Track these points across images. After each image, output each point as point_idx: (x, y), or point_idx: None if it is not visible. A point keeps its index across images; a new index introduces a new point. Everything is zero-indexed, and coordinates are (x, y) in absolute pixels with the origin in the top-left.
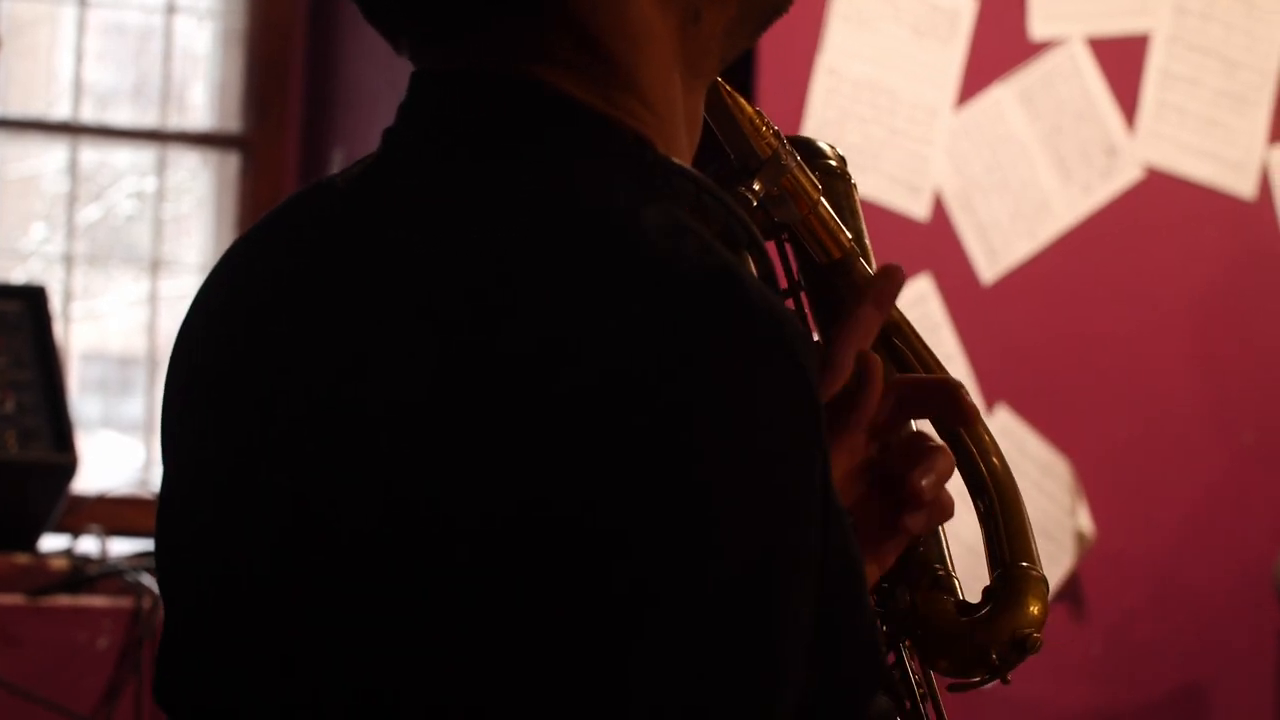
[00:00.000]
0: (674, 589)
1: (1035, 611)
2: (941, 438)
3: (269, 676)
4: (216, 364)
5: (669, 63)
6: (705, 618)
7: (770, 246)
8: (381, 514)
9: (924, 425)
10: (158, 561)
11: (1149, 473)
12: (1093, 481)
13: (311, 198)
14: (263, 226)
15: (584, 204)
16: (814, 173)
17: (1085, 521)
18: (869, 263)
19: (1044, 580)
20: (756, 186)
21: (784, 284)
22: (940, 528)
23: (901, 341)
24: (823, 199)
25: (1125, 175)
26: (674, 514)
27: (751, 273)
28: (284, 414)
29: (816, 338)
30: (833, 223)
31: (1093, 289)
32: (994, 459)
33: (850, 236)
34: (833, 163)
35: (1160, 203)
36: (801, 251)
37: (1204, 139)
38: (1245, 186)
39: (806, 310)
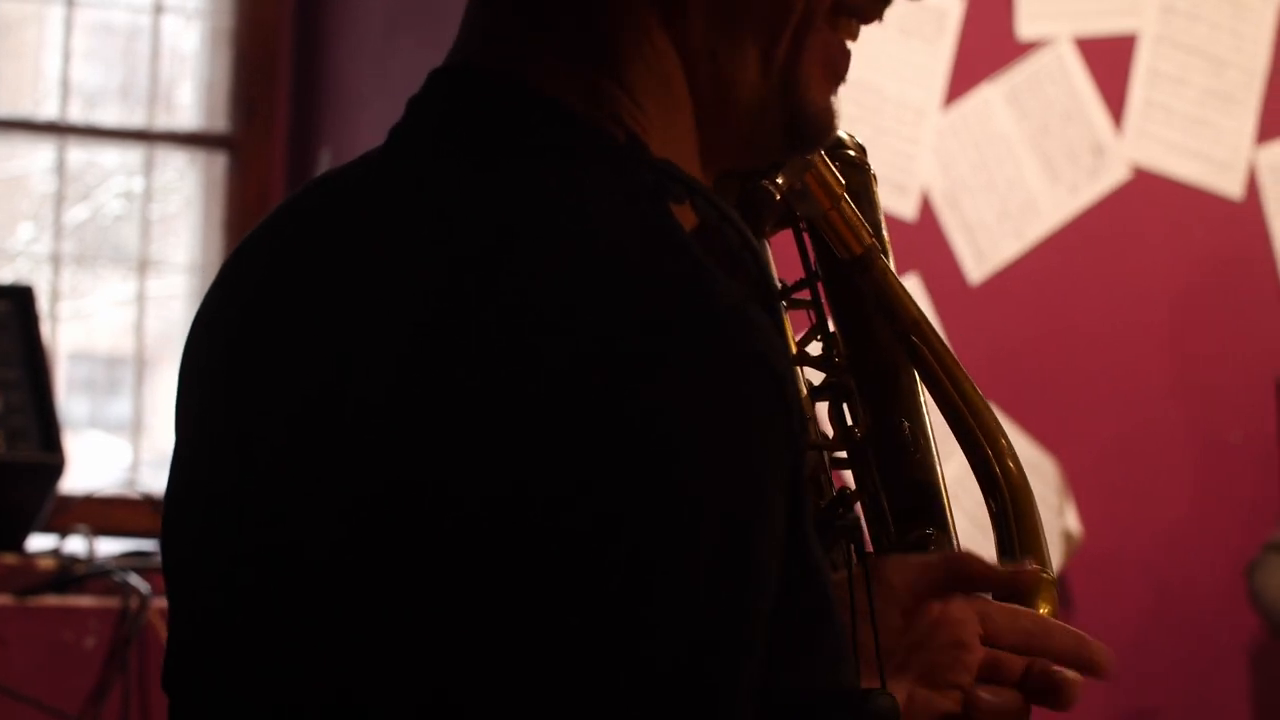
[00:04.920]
0: (648, 574)
1: (1044, 614)
2: (954, 433)
3: (266, 667)
4: (213, 359)
5: (673, 80)
6: (676, 602)
7: (789, 236)
8: (367, 507)
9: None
10: (163, 556)
11: (1136, 473)
12: (1080, 481)
13: (314, 194)
14: (268, 222)
15: (566, 207)
16: (833, 163)
17: (1073, 522)
18: (887, 251)
19: (1054, 583)
20: (780, 180)
21: (795, 277)
22: (952, 526)
23: (920, 340)
24: (846, 195)
25: (1112, 175)
26: (645, 507)
27: (725, 280)
28: (276, 409)
29: (833, 327)
30: (855, 219)
31: (1080, 289)
32: (1009, 461)
33: (871, 232)
34: (852, 152)
35: (1147, 202)
36: (820, 242)
37: (1191, 138)
38: (1232, 186)
39: (823, 300)
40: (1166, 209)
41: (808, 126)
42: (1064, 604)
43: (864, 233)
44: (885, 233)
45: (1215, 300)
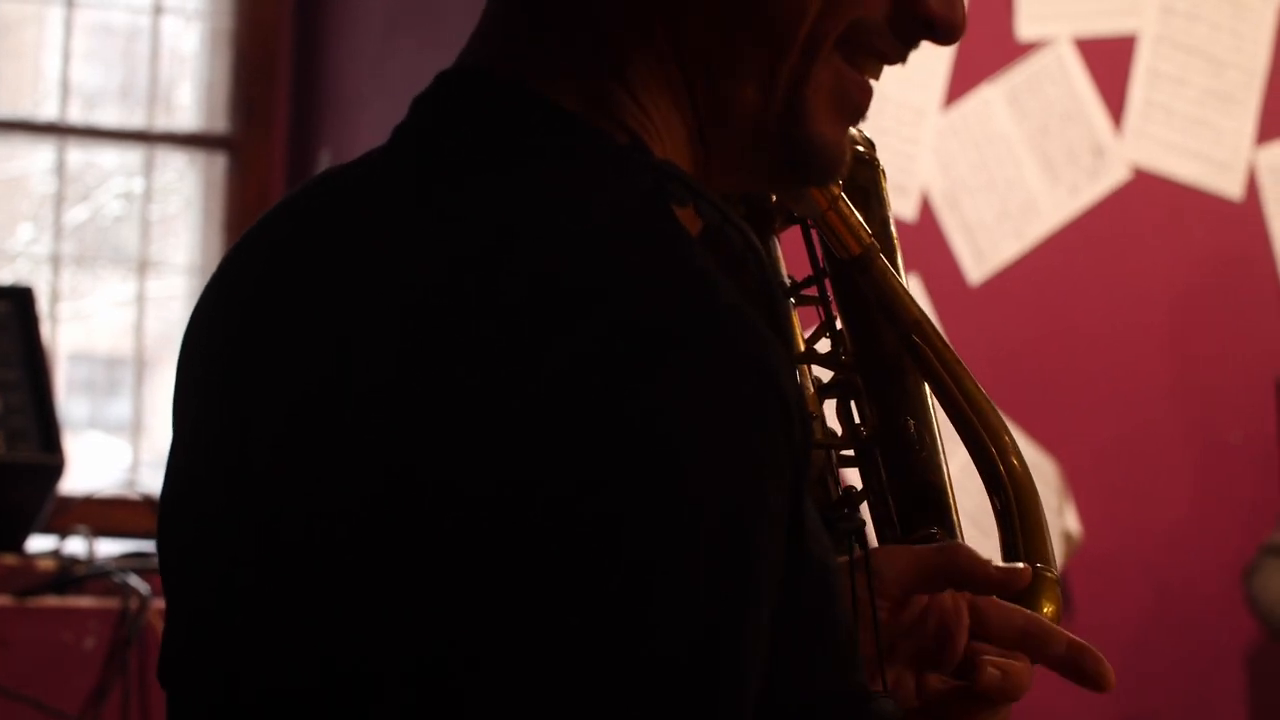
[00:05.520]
0: (649, 574)
1: (1049, 613)
2: (957, 431)
3: (264, 664)
4: (211, 356)
5: (675, 89)
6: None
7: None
8: (367, 506)
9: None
10: (160, 552)
11: (1136, 473)
12: (1080, 482)
13: (314, 191)
14: (268, 218)
15: (567, 208)
16: None
17: (1073, 522)
18: (894, 248)
19: (1059, 582)
20: None
21: (806, 273)
22: (958, 527)
23: (922, 340)
24: (843, 195)
25: (1112, 175)
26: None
27: (725, 282)
28: (275, 406)
29: (840, 325)
30: (853, 219)
31: (1080, 289)
32: (1013, 459)
33: (870, 232)
34: (861, 149)
35: (1147, 203)
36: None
37: (1191, 139)
38: (1232, 187)
39: (830, 297)
40: (1166, 209)
41: (811, 157)
42: (1064, 604)
43: (862, 233)
44: (894, 228)
45: (1215, 301)
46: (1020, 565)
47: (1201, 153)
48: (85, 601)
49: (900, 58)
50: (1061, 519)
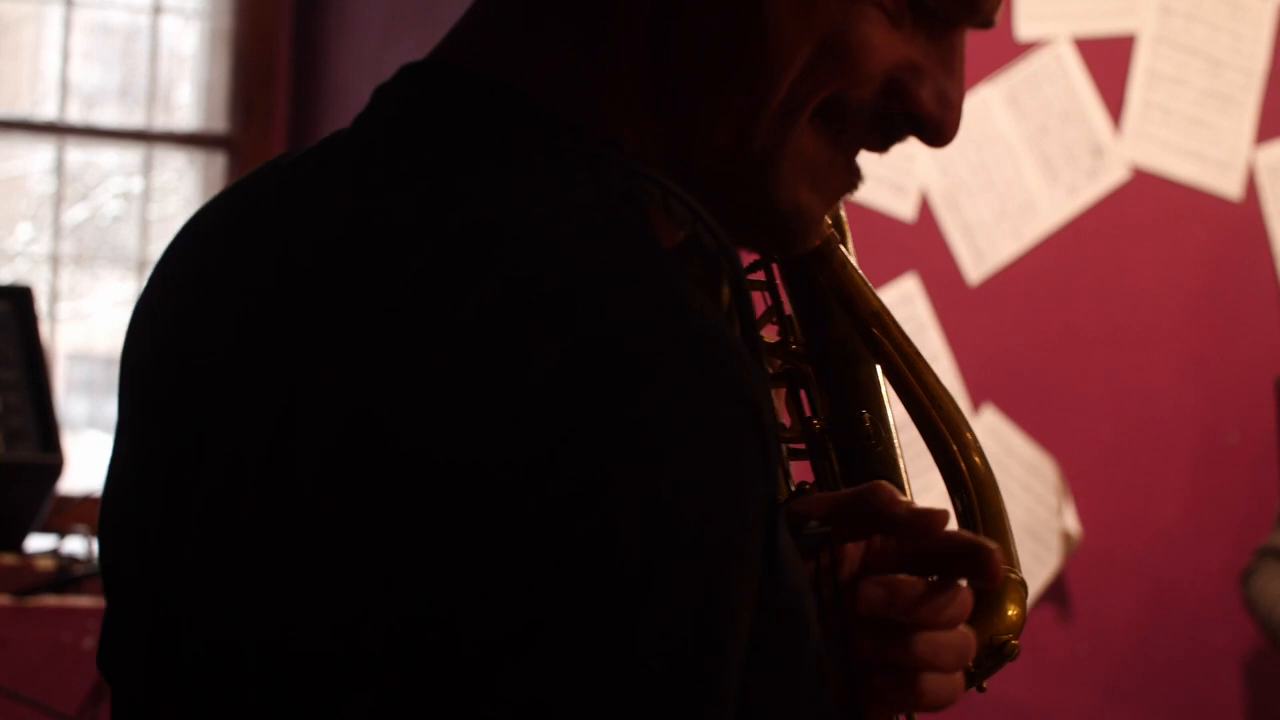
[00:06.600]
0: (644, 590)
1: (1013, 616)
2: (918, 427)
3: (196, 643)
4: (161, 345)
5: (648, 110)
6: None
7: None
8: (350, 507)
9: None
10: (101, 542)
11: (1135, 473)
12: (1079, 482)
13: (266, 180)
14: (214, 204)
15: (537, 206)
16: None
17: (1071, 522)
18: (845, 234)
19: (1022, 584)
20: None
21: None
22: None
23: (881, 332)
24: None
25: (1111, 175)
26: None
27: (696, 292)
28: (235, 399)
29: (790, 311)
30: None
31: (1079, 289)
32: (975, 457)
33: (830, 223)
34: None
35: (1146, 203)
36: None
37: (1189, 139)
38: (1231, 186)
39: (778, 282)
40: (1165, 210)
41: (778, 222)
42: (1062, 604)
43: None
44: (843, 213)
45: (1215, 300)
46: (937, 509)
47: (1200, 153)
48: (84, 601)
49: (879, 148)
50: (1060, 519)
